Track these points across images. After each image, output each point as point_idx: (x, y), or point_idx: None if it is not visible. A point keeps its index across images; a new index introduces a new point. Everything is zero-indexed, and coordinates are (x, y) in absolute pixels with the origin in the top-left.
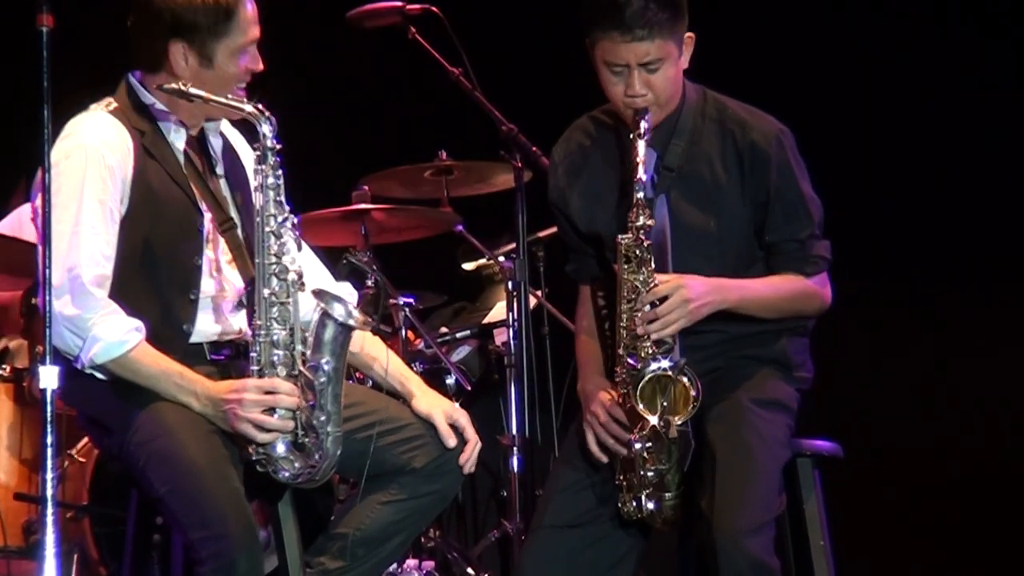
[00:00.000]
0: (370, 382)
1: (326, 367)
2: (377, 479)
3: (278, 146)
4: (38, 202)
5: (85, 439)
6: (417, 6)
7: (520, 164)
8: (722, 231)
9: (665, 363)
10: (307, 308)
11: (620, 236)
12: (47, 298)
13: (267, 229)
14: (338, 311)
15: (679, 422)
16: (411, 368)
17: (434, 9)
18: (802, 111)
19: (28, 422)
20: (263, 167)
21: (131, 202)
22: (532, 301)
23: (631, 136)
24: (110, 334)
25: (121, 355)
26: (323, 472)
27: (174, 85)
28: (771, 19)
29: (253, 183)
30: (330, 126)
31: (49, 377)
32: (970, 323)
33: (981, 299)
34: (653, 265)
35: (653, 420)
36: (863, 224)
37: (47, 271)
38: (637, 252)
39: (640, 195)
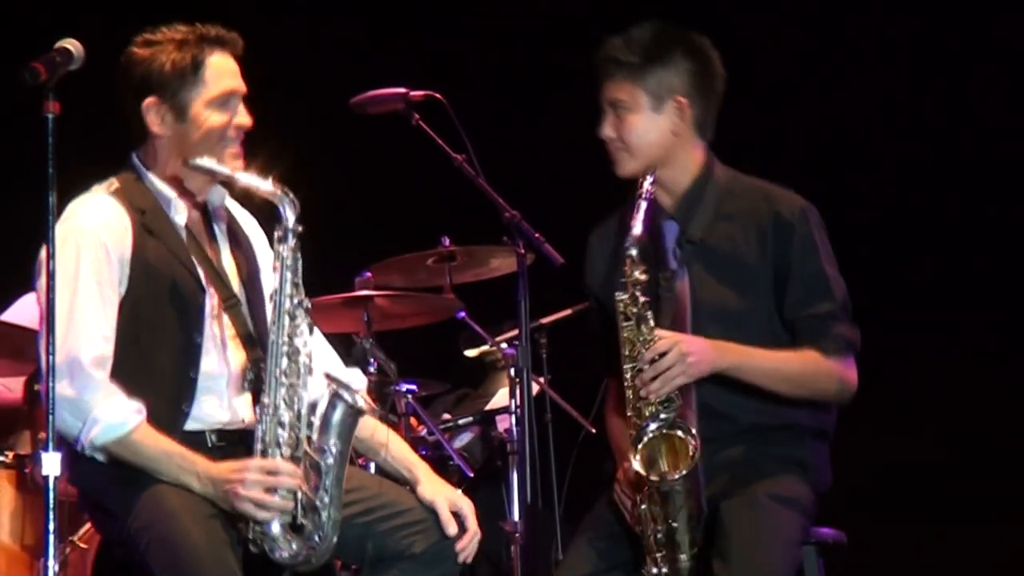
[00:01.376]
0: (373, 467)
1: (333, 449)
2: (376, 565)
3: (299, 228)
4: (39, 283)
5: (87, 525)
6: (420, 92)
7: (523, 250)
8: (744, 306)
9: (653, 425)
10: (314, 391)
11: (617, 294)
12: (50, 384)
13: (283, 309)
14: (348, 394)
15: (675, 476)
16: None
17: (437, 95)
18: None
19: (30, 508)
20: (283, 247)
21: (130, 282)
22: (535, 388)
23: (637, 196)
24: (110, 415)
25: (122, 436)
26: (320, 554)
27: (204, 162)
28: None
29: (272, 263)
30: (333, 212)
31: (52, 464)
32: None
33: (988, 380)
34: (652, 323)
35: (653, 477)
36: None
37: (51, 357)
38: (634, 309)
39: (633, 252)
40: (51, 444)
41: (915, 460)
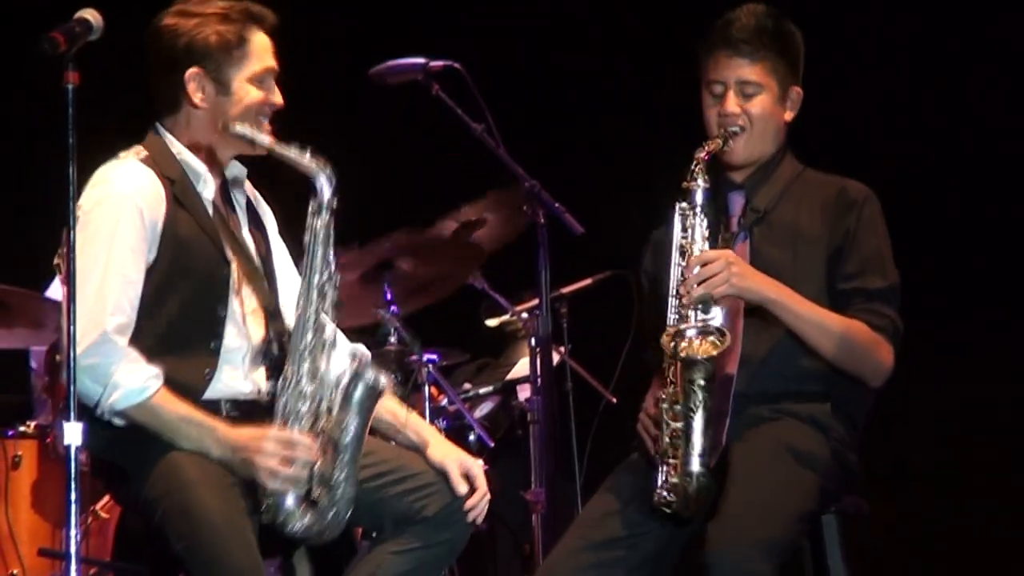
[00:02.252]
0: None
1: (352, 426)
2: (390, 528)
3: (335, 202)
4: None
5: (108, 495)
6: (439, 63)
7: (543, 220)
8: (798, 276)
9: (692, 331)
10: (336, 366)
11: (677, 203)
12: (71, 353)
13: (312, 283)
14: (371, 373)
15: (701, 356)
16: (434, 425)
17: (456, 65)
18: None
19: (52, 478)
20: (316, 221)
21: (160, 250)
22: (555, 357)
23: (715, 139)
24: (130, 381)
25: (142, 401)
26: (333, 530)
27: (245, 130)
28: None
29: (304, 236)
30: (349, 183)
31: (73, 433)
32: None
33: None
34: (707, 231)
35: (681, 352)
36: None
37: (72, 327)
38: (692, 219)
39: (703, 155)
40: (72, 414)
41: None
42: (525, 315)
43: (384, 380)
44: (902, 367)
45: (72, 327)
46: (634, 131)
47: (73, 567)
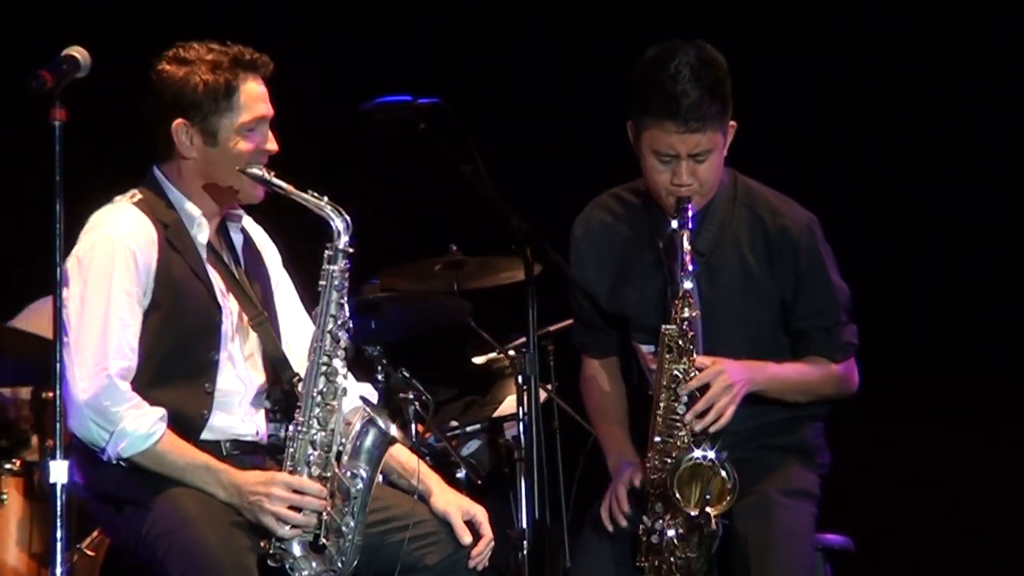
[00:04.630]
0: (381, 479)
1: (363, 474)
2: None
3: (351, 248)
4: (65, 293)
5: (95, 533)
6: (428, 100)
7: (530, 258)
8: (749, 317)
9: (710, 453)
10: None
11: (664, 326)
12: (58, 391)
13: (326, 329)
14: (381, 421)
15: (716, 514)
16: (422, 460)
17: (445, 103)
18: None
19: (38, 516)
20: (333, 267)
21: (154, 294)
22: (542, 395)
23: (676, 227)
24: (138, 427)
25: (148, 447)
26: None
27: (258, 171)
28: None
29: (319, 282)
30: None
31: (59, 471)
32: (987, 413)
33: (1003, 389)
34: (695, 356)
35: (692, 511)
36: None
37: (59, 365)
38: (680, 343)
39: (688, 285)
40: (59, 452)
41: (926, 461)
42: (512, 352)
43: (395, 429)
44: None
45: (60, 365)
46: (624, 171)
47: None
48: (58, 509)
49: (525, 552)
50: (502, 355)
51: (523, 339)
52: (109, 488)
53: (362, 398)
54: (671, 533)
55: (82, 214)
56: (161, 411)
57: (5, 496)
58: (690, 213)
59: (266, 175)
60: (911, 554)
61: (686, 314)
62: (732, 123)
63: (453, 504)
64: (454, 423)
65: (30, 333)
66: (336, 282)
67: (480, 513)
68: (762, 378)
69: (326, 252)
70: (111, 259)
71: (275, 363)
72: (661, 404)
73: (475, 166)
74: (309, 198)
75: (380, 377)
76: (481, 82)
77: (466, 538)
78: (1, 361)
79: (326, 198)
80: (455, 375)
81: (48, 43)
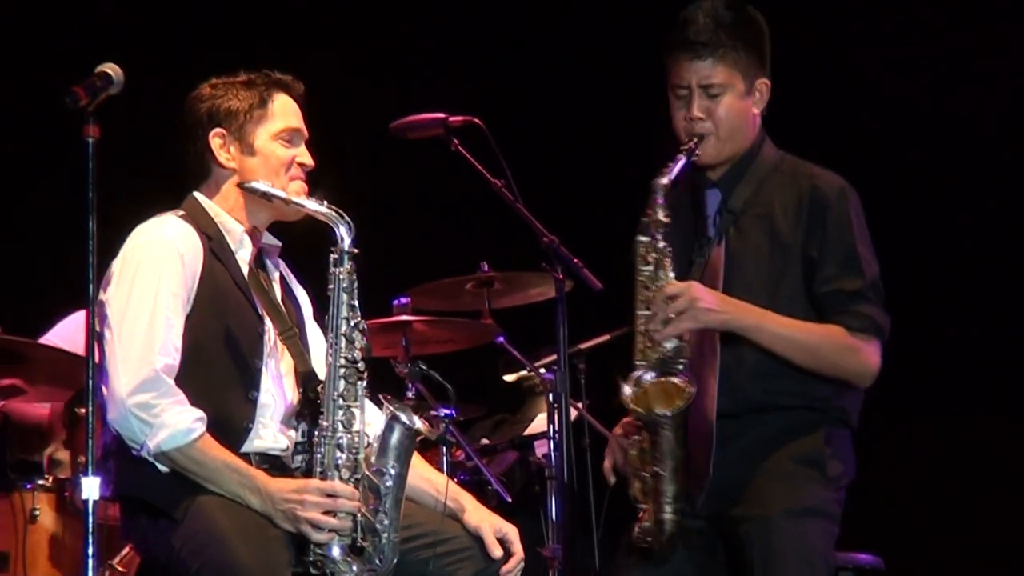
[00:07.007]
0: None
1: (392, 471)
2: None
3: (355, 250)
4: (103, 295)
5: (127, 549)
6: (459, 118)
7: (561, 275)
8: (776, 277)
9: (650, 375)
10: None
11: (638, 236)
12: (91, 408)
13: (339, 331)
14: (405, 416)
15: (664, 412)
16: (453, 480)
17: (476, 121)
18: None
19: (70, 532)
20: (339, 270)
21: (198, 298)
22: (573, 413)
23: (681, 150)
24: (178, 422)
25: (187, 443)
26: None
27: (259, 185)
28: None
29: (327, 286)
30: (371, 236)
31: (91, 488)
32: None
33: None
34: (669, 270)
35: (640, 409)
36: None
37: (91, 381)
38: (654, 254)
39: (658, 194)
40: (91, 468)
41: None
42: (543, 370)
43: (419, 422)
44: None
45: (92, 381)
46: None
47: None
48: (90, 525)
49: (556, 571)
50: (533, 373)
51: (554, 357)
52: (143, 492)
53: (383, 396)
54: (633, 452)
55: (115, 230)
56: (201, 413)
57: (38, 512)
58: (693, 144)
59: (263, 187)
60: (942, 572)
61: (659, 217)
62: (764, 80)
63: (485, 521)
64: (485, 441)
65: (62, 349)
66: (344, 284)
67: (512, 531)
68: (748, 319)
69: (331, 256)
70: (161, 259)
71: (304, 377)
72: (641, 320)
73: (506, 183)
74: (308, 203)
75: (410, 394)
76: (513, 100)
77: (496, 552)
78: (33, 377)
79: (326, 202)
80: (486, 393)
81: (80, 61)
